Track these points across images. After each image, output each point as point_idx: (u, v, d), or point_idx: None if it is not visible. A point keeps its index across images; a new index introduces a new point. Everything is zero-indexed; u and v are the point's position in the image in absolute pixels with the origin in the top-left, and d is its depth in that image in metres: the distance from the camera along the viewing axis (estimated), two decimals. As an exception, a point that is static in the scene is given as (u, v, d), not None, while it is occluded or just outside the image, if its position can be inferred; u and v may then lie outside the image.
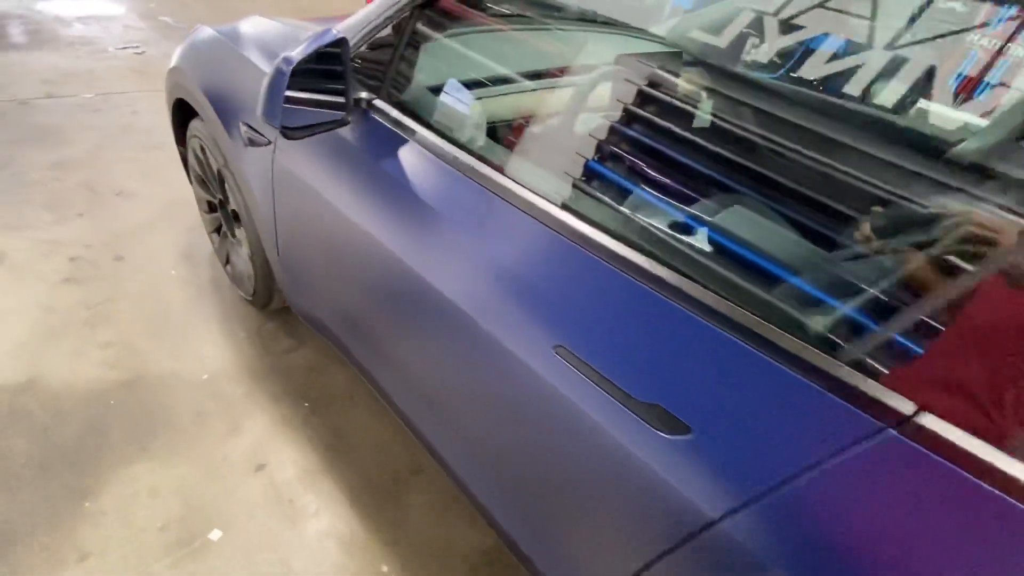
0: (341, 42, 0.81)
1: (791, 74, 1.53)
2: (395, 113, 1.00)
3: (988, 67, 1.01)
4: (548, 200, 0.79)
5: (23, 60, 3.28)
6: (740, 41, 1.60)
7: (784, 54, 1.54)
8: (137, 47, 3.68)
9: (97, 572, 1.14)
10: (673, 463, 0.61)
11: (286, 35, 1.34)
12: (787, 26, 1.52)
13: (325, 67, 0.83)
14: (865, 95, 1.25)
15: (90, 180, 2.31)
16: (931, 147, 0.85)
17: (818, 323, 0.60)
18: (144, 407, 1.48)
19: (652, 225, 0.75)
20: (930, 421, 0.49)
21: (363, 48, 1.03)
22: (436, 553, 1.29)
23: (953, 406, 0.49)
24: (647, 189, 0.83)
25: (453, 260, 0.86)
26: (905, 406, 0.50)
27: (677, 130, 0.89)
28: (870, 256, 0.65)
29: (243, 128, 1.27)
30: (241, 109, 1.28)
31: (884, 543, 0.49)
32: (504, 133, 1.00)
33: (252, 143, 1.25)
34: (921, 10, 1.18)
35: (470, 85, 1.00)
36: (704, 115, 1.08)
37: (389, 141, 1.00)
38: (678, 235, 0.73)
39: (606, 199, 0.80)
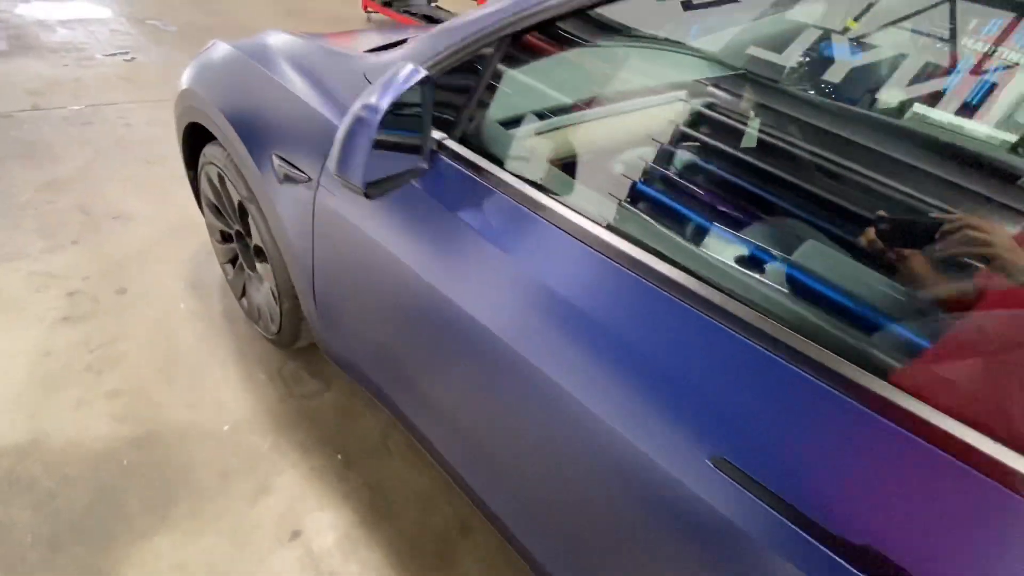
0: (426, 81, 0.69)
1: (867, 95, 1.42)
2: (469, 154, 0.87)
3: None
4: (644, 246, 0.69)
5: (5, 69, 3.07)
6: (807, 60, 1.49)
7: (857, 75, 1.43)
8: (126, 53, 3.48)
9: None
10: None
11: (315, 53, 1.20)
12: (858, 45, 1.41)
13: (403, 111, 0.70)
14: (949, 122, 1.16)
15: (84, 201, 2.13)
16: None
17: None
18: (161, 467, 1.33)
19: (743, 270, 0.65)
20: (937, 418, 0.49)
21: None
22: (497, 629, 1.17)
23: (956, 400, 0.50)
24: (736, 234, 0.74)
25: (522, 308, 0.76)
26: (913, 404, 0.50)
27: (782, 172, 0.79)
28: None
29: (276, 161, 1.13)
30: (273, 139, 1.14)
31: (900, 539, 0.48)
32: (590, 174, 0.88)
33: (289, 179, 1.11)
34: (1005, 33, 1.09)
35: (550, 121, 0.89)
36: (792, 143, 0.97)
37: (461, 184, 0.87)
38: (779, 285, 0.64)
39: (707, 250, 0.70)
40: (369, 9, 5.42)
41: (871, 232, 0.69)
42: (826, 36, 1.40)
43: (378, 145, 0.69)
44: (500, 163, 0.85)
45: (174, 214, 2.17)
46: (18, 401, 1.41)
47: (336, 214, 1.03)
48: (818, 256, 0.72)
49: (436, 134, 0.86)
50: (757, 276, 0.65)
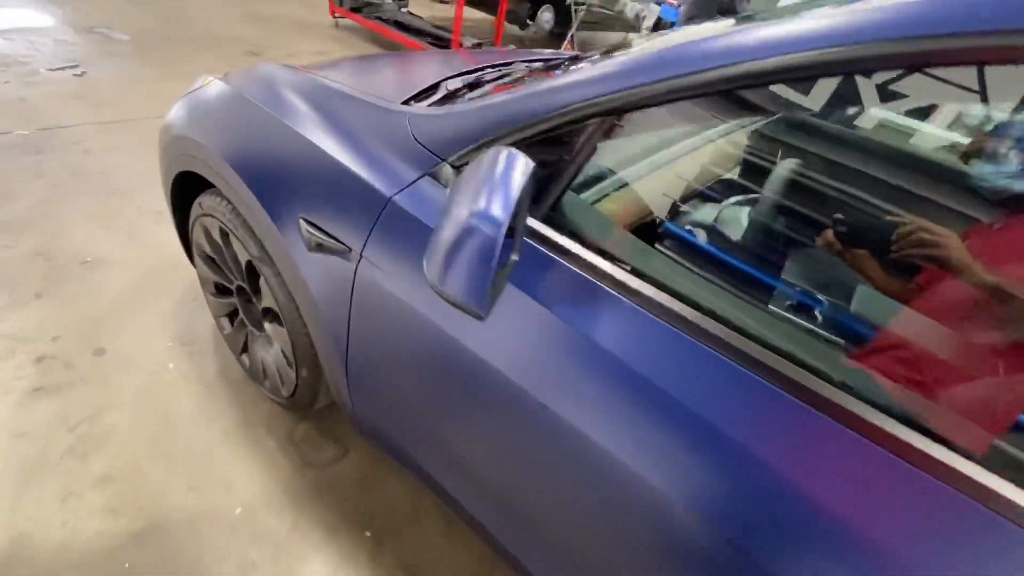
0: (532, 172, 0.58)
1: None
2: (553, 234, 0.77)
3: None
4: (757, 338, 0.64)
5: (-67, 87, 2.73)
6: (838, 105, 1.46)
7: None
8: (75, 67, 3.17)
9: None
10: None
11: (341, 102, 1.07)
12: (886, 93, 1.39)
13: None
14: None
15: (45, 246, 1.90)
16: None
17: None
18: (170, 566, 1.17)
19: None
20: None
21: None
22: None
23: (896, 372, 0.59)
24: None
25: (601, 394, 0.71)
26: None
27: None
28: None
29: (305, 226, 0.99)
30: (299, 201, 1.01)
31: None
32: (698, 257, 0.80)
33: (321, 248, 0.98)
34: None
35: (648, 200, 0.80)
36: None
37: (543, 267, 0.78)
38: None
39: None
40: (337, 15, 5.19)
41: (829, 233, 0.75)
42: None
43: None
44: (592, 245, 0.76)
45: (150, 255, 1.96)
46: (-11, 498, 1.21)
47: (383, 290, 0.91)
48: None
49: None
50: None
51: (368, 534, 1.32)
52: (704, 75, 0.60)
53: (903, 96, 1.41)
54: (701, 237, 0.90)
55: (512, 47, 5.39)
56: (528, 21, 5.45)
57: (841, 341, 0.76)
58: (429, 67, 1.46)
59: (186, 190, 1.40)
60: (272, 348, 1.40)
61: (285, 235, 1.04)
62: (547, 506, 0.83)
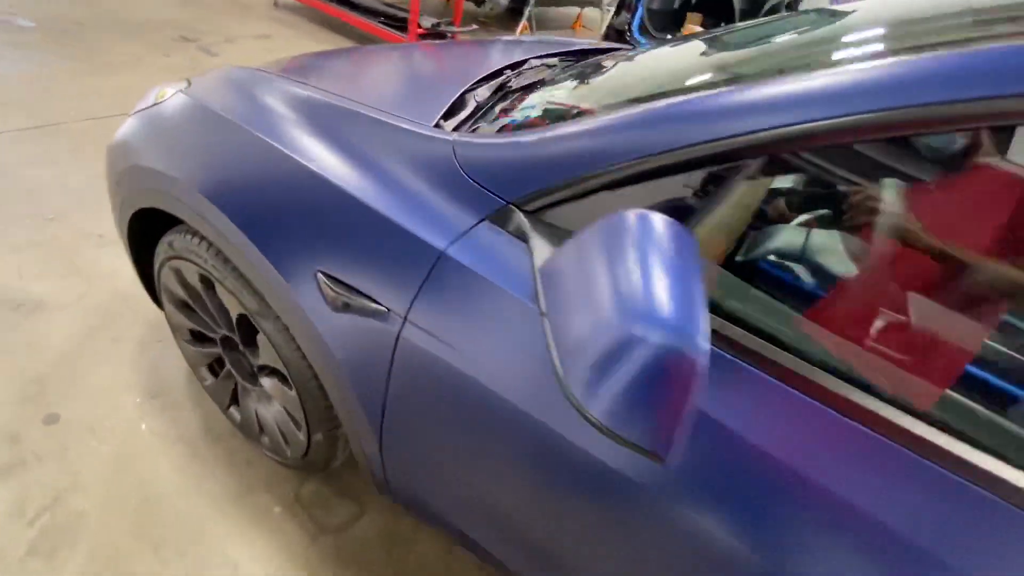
0: (694, 249, 0.44)
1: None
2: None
3: None
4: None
5: None
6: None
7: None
8: (-26, 63, 2.70)
9: None
10: None
11: (352, 122, 0.88)
12: None
13: None
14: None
15: (-36, 289, 1.59)
16: None
17: None
18: None
19: None
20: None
21: None
22: None
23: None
24: None
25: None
26: None
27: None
28: None
29: (324, 281, 0.81)
30: (314, 250, 0.82)
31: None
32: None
33: (349, 308, 0.80)
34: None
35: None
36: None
37: None
38: None
39: None
40: (276, -7, 4.73)
41: (781, 203, 0.72)
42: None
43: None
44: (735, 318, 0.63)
45: (98, 289, 1.68)
46: (-67, 627, 0.98)
47: (437, 360, 0.75)
48: None
49: None
50: None
51: (403, 605, 1.18)
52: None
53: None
54: (802, 276, 0.78)
55: (474, 27, 5.11)
56: (483, -2, 5.18)
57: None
58: (431, 67, 1.27)
59: (147, 223, 1.17)
60: (271, 406, 1.21)
61: (298, 291, 0.85)
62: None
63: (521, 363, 0.70)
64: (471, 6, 5.42)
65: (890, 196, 0.64)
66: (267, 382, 1.16)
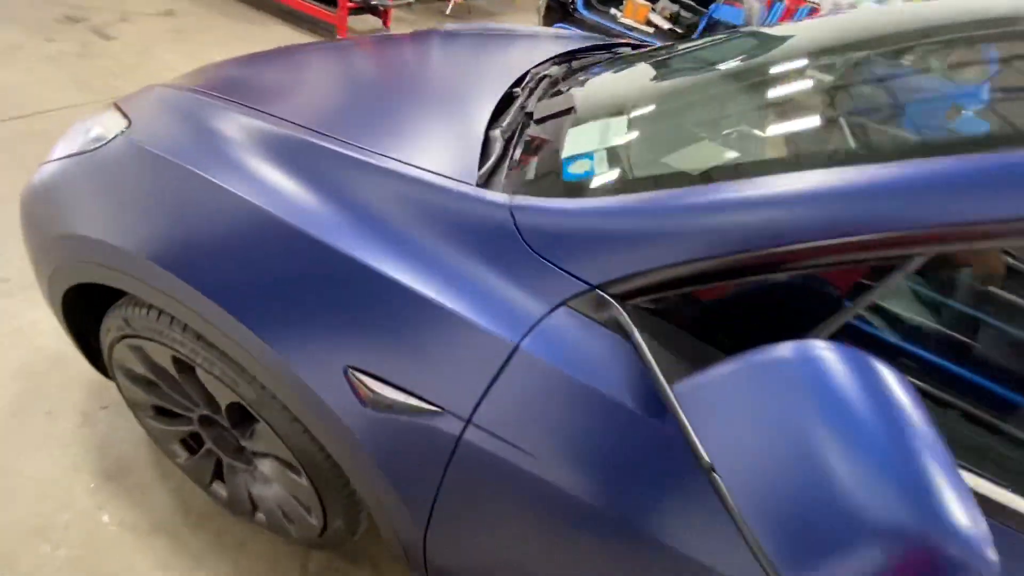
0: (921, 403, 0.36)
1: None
2: None
3: None
4: None
5: None
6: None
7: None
8: None
9: None
10: None
11: (335, 161, 0.73)
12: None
13: None
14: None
15: None
16: None
17: None
18: None
19: None
20: None
21: None
22: None
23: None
24: None
25: None
26: None
27: None
28: None
29: (360, 378, 0.67)
30: (341, 343, 0.68)
31: None
32: None
33: (394, 409, 0.67)
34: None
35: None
36: None
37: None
38: None
39: None
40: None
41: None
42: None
43: None
44: None
45: (16, 351, 1.40)
46: None
47: (511, 469, 0.64)
48: None
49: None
50: None
51: (443, 677, 1.09)
52: None
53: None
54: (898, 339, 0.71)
55: (409, 1, 4.71)
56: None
57: None
58: (417, 81, 1.09)
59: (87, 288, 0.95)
60: (270, 486, 1.05)
61: (321, 390, 0.70)
62: None
63: (613, 469, 0.61)
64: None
65: None
66: (267, 465, 1.00)
